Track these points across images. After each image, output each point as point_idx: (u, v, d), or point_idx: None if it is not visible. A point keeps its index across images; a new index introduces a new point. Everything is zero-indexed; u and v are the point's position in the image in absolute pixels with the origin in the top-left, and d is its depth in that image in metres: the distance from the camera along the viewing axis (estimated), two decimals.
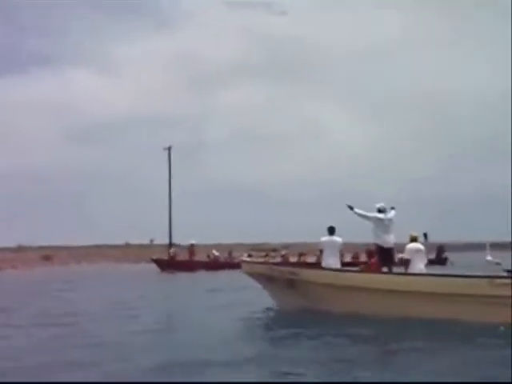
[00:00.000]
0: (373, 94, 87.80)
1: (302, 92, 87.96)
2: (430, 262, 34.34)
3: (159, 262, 38.08)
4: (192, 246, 40.84)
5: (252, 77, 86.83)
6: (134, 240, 55.03)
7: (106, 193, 70.00)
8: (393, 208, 12.01)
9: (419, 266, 11.07)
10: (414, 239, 11.50)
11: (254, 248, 43.65)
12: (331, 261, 11.98)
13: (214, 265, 36.76)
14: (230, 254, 39.61)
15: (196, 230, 55.69)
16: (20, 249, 48.42)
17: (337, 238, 12.19)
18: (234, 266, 34.51)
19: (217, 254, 39.43)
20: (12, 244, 51.22)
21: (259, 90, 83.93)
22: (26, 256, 42.07)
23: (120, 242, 54.71)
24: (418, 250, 11.29)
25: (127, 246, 55.81)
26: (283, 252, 38.32)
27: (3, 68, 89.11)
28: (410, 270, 11.00)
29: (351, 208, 11.68)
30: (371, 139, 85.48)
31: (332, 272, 11.63)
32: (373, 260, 11.93)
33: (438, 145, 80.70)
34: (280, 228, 57.95)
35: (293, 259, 35.27)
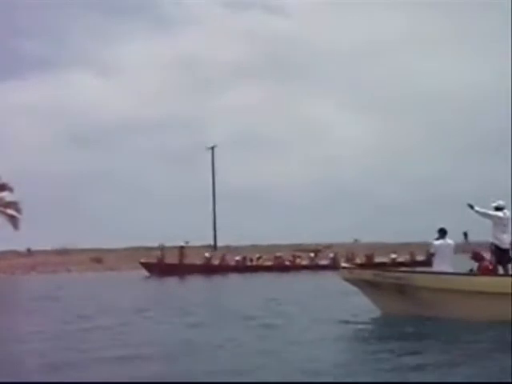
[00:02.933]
0: (374, 93, 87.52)
1: (304, 92, 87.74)
2: (420, 264, 33.40)
3: (148, 266, 35.40)
4: (182, 247, 38.63)
5: (254, 78, 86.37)
6: (169, 242, 55.39)
7: (116, 196, 70.66)
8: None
9: None
10: None
11: (296, 249, 43.76)
12: (444, 265, 11.54)
13: (206, 268, 34.75)
14: (223, 257, 37.88)
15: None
16: (66, 251, 48.98)
17: (450, 241, 11.83)
18: (227, 269, 34.47)
19: (208, 255, 37.55)
20: (48, 247, 52.15)
21: (261, 91, 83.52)
22: (75, 259, 42.63)
23: (154, 244, 55.02)
24: None
25: (162, 248, 56.11)
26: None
27: (3, 72, 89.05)
28: None
29: (471, 207, 11.45)
30: (375, 138, 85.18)
31: (447, 276, 11.10)
32: (485, 262, 11.44)
33: (440, 143, 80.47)
34: (301, 230, 57.87)
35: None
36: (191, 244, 55.08)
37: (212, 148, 50.99)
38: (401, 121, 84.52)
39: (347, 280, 12.69)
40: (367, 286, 12.18)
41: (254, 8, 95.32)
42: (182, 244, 40.15)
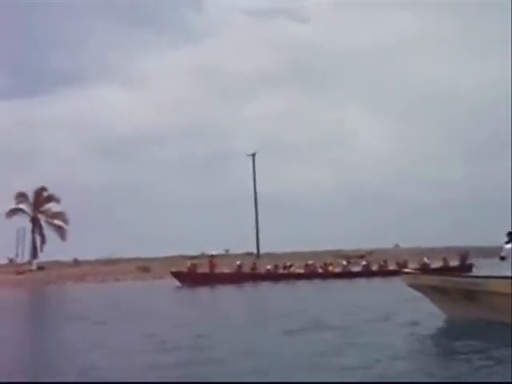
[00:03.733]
0: (396, 96, 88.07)
1: (327, 98, 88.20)
2: (454, 269, 33.15)
3: (179, 275, 35.18)
4: (212, 257, 38.94)
5: (277, 86, 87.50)
6: (210, 250, 56.22)
7: (146, 205, 72.32)
8: None
9: None
10: None
11: (337, 255, 44.11)
12: None
13: (237, 277, 34.35)
14: (254, 265, 37.81)
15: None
16: (112, 261, 49.97)
17: None
18: (259, 277, 34.31)
19: (239, 264, 37.22)
20: (92, 257, 53.31)
21: (284, 98, 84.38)
22: (123, 268, 43.60)
23: (197, 252, 55.88)
24: None
25: (203, 256, 56.97)
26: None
27: (32, 88, 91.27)
28: None
29: None
30: (398, 142, 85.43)
31: None
32: None
33: (463, 146, 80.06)
34: (339, 235, 58.02)
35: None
36: (232, 252, 56.15)
37: (253, 155, 51.47)
38: (423, 122, 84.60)
39: (412, 286, 12.77)
40: (433, 292, 12.22)
41: (275, 15, 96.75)
42: (213, 253, 40.64)
